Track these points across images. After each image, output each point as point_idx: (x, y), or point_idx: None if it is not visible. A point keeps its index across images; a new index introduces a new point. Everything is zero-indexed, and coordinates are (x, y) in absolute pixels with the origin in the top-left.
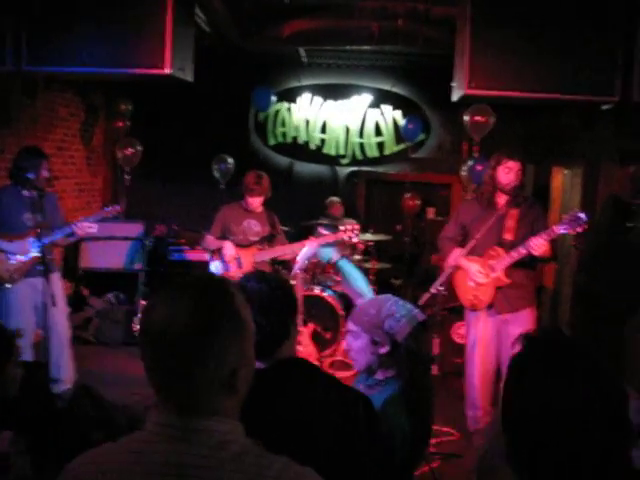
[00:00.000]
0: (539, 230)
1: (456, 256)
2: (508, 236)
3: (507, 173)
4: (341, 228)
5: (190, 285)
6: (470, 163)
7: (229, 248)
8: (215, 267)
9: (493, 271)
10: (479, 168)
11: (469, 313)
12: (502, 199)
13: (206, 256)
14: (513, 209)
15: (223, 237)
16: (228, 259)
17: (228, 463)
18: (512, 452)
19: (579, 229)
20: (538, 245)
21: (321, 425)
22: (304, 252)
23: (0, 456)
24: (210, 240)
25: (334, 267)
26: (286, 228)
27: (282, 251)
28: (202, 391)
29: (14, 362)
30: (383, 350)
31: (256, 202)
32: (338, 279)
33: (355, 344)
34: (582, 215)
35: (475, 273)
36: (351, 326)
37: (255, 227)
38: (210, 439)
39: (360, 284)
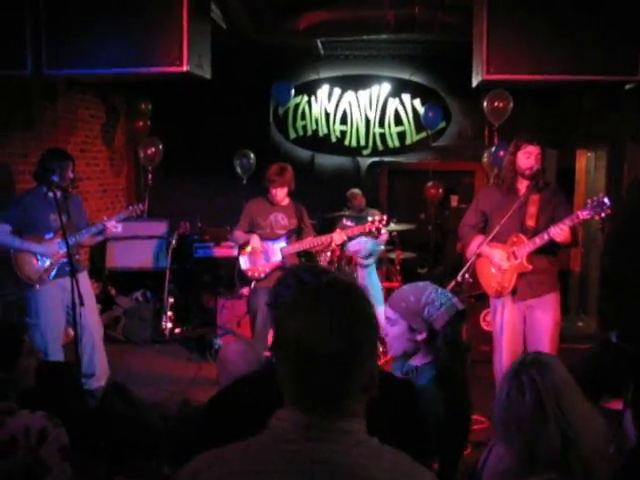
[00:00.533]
0: (560, 216)
1: (478, 244)
2: (530, 222)
3: (527, 158)
4: (369, 219)
5: (331, 297)
6: (492, 149)
7: (256, 242)
8: (243, 261)
9: (515, 258)
10: (502, 154)
11: (494, 300)
12: (523, 185)
13: (233, 251)
14: (534, 195)
15: (251, 231)
16: (255, 253)
17: (373, 459)
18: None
19: (603, 214)
20: (559, 232)
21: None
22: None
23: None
24: (238, 234)
25: (362, 266)
26: (310, 221)
27: (310, 244)
28: (345, 397)
29: (26, 354)
30: (420, 337)
31: (280, 194)
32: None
33: (392, 330)
34: (606, 200)
35: (499, 260)
36: (389, 312)
37: (282, 220)
38: (352, 438)
39: (377, 293)
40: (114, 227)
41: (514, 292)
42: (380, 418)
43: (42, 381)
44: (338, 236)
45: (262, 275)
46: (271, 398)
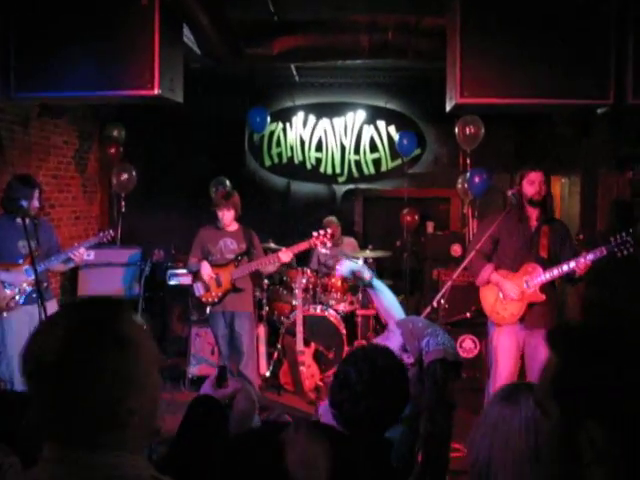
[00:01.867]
0: (565, 249)
1: (489, 272)
2: (543, 254)
3: (531, 184)
4: (314, 234)
5: (69, 308)
6: (467, 175)
7: (206, 268)
8: (197, 288)
9: (528, 287)
10: (477, 180)
11: (492, 326)
12: (533, 213)
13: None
14: (545, 226)
15: (204, 258)
16: (207, 279)
17: None
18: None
19: (626, 252)
20: (581, 265)
21: None
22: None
23: None
24: (192, 262)
25: (368, 286)
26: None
27: (257, 265)
28: (82, 422)
29: None
30: (408, 360)
31: (227, 217)
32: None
33: (385, 343)
34: (630, 238)
35: (510, 293)
36: (392, 326)
37: (231, 245)
38: (95, 474)
39: (395, 304)
40: (86, 254)
41: (520, 320)
42: None
43: (3, 412)
44: (284, 254)
45: (216, 300)
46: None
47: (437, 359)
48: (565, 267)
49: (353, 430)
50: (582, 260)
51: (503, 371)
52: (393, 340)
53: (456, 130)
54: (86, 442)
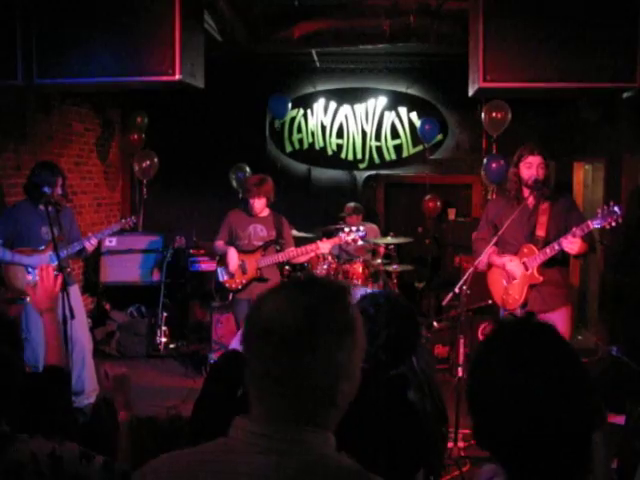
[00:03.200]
0: (572, 222)
1: (488, 254)
2: (540, 232)
3: (528, 168)
4: (345, 230)
5: (306, 284)
6: (485, 161)
7: (232, 256)
8: (221, 273)
9: (526, 269)
10: (494, 166)
11: (503, 311)
12: (530, 195)
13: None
14: (544, 204)
15: (230, 242)
16: (232, 265)
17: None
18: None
19: (614, 223)
20: (572, 245)
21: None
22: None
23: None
24: (218, 245)
25: None
26: (307, 234)
27: (285, 256)
28: (301, 398)
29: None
30: None
31: (258, 204)
32: None
33: None
34: (617, 208)
35: (512, 267)
36: None
37: (261, 232)
38: (308, 452)
39: None
40: (108, 241)
41: (524, 305)
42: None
43: (32, 393)
44: (324, 245)
45: (239, 287)
46: None
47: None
48: (556, 246)
49: (373, 364)
50: (570, 237)
51: None
52: None
53: (482, 115)
54: (299, 419)
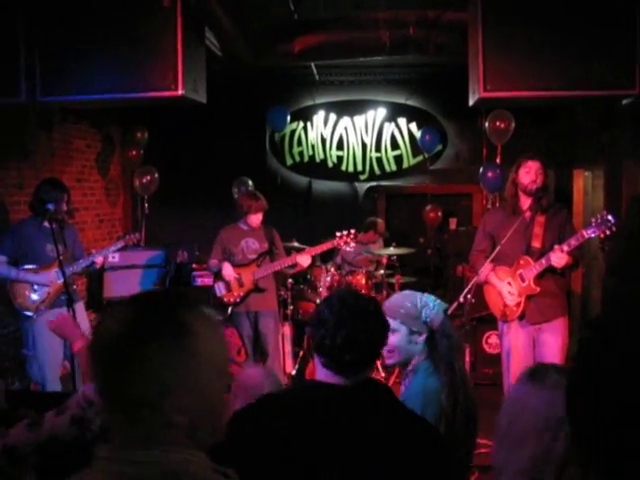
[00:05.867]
0: (566, 235)
1: (486, 272)
2: (536, 244)
3: (527, 173)
4: (337, 234)
5: (135, 299)
6: (481, 170)
7: (227, 269)
8: (218, 289)
9: (523, 280)
10: (490, 175)
11: (501, 323)
12: (526, 203)
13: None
14: (539, 215)
15: (225, 259)
16: (228, 279)
17: None
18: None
19: (608, 232)
20: (558, 259)
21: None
22: None
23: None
24: (212, 264)
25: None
26: (305, 246)
27: (280, 265)
28: (130, 414)
29: None
30: (421, 339)
31: (259, 219)
32: None
33: (392, 339)
34: (610, 217)
35: (505, 294)
36: (393, 324)
37: (253, 245)
38: (153, 470)
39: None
40: (111, 257)
41: (522, 316)
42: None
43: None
44: (303, 258)
45: (238, 300)
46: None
47: (442, 320)
48: (544, 261)
49: (342, 371)
50: (565, 247)
51: (516, 370)
52: (398, 332)
53: (486, 125)
54: (141, 438)
